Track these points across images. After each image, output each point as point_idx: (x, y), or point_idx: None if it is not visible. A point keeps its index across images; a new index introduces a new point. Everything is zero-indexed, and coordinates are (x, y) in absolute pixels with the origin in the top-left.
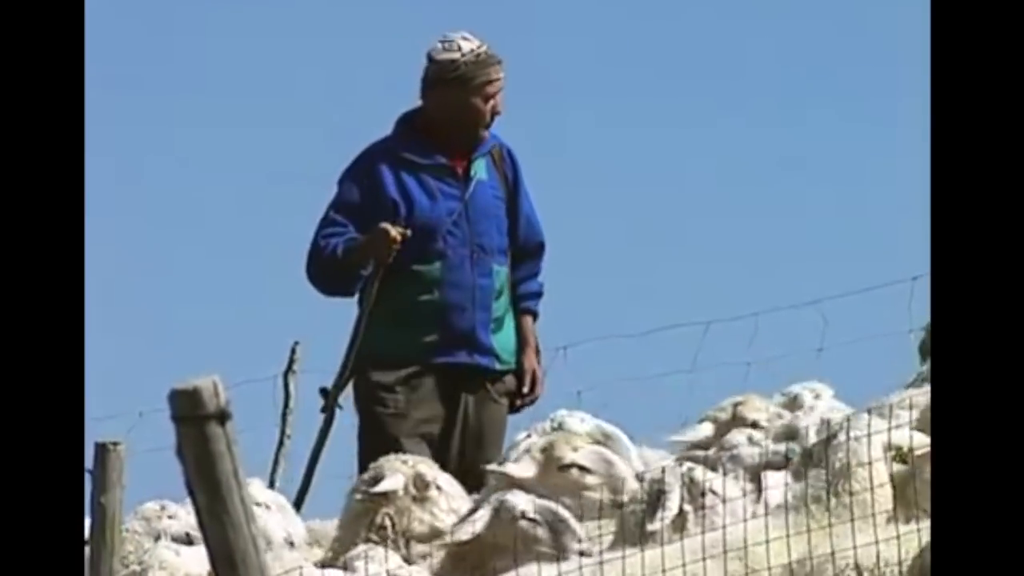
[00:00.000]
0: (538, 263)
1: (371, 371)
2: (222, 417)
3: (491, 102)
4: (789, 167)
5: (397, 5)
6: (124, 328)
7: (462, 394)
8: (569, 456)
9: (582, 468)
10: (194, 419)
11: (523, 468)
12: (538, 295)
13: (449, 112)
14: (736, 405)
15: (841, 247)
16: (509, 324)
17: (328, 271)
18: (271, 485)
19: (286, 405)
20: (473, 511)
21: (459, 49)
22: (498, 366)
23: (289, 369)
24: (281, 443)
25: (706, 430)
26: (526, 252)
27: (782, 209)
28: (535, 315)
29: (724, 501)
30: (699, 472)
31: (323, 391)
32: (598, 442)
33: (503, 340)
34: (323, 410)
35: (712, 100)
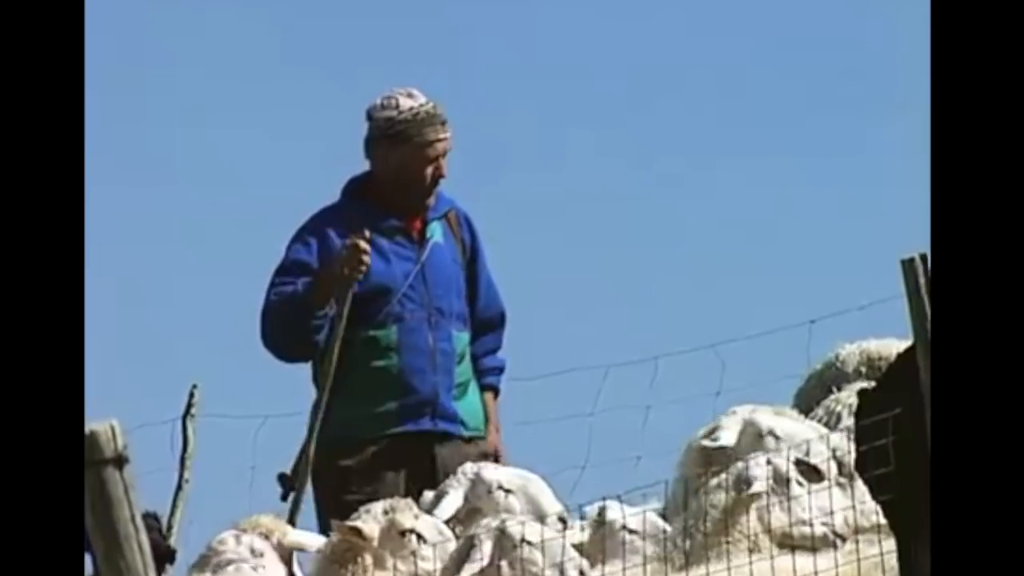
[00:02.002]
0: (499, 336)
1: (333, 456)
2: (120, 462)
3: (432, 165)
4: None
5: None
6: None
7: (433, 456)
8: (409, 523)
9: (419, 536)
10: (91, 464)
11: (369, 527)
12: (500, 370)
13: (389, 173)
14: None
15: (743, 290)
16: (474, 391)
17: (288, 318)
18: (168, 529)
19: (184, 449)
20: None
21: (397, 107)
22: (464, 432)
23: (188, 413)
24: (179, 487)
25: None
26: (486, 323)
27: (675, 246)
28: (496, 391)
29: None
30: (513, 525)
31: (281, 477)
32: (509, 491)
33: (468, 406)
34: (283, 498)
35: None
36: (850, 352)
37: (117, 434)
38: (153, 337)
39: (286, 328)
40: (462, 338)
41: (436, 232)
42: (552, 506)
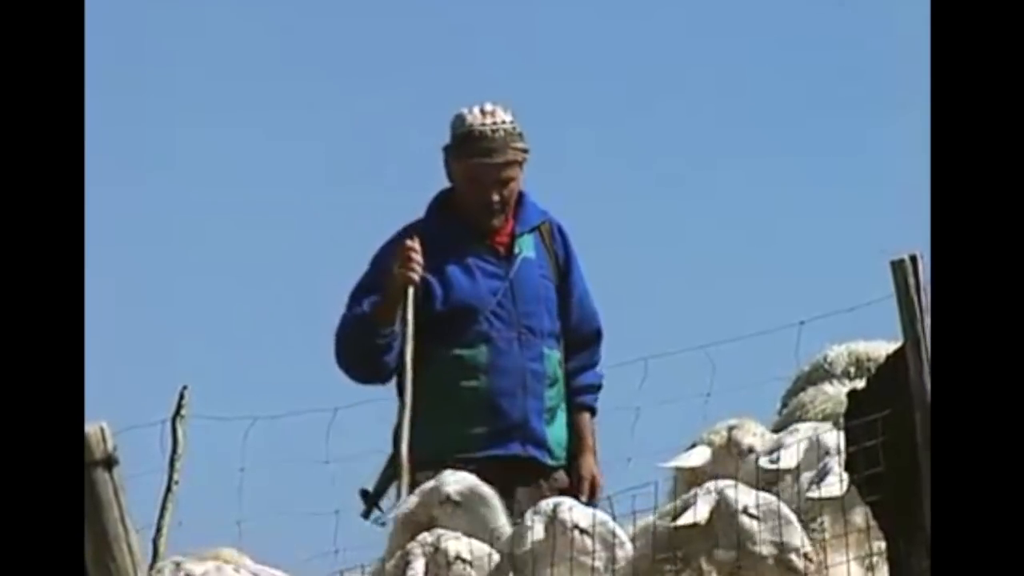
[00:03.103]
0: (595, 352)
1: (415, 473)
2: (109, 463)
3: (485, 185)
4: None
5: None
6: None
7: (516, 489)
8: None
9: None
10: None
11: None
12: (596, 388)
13: (458, 187)
14: (731, 429)
15: (735, 291)
16: (561, 417)
17: (353, 340)
18: (158, 532)
19: (174, 451)
20: None
21: (462, 121)
22: (550, 461)
23: (177, 414)
24: (169, 489)
25: (703, 455)
26: (581, 340)
27: (672, 246)
28: (593, 411)
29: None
30: (447, 541)
31: (363, 493)
32: (585, 531)
33: (556, 433)
34: (364, 515)
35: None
36: (838, 353)
37: (107, 436)
38: (142, 338)
39: (354, 350)
40: (553, 357)
41: (526, 246)
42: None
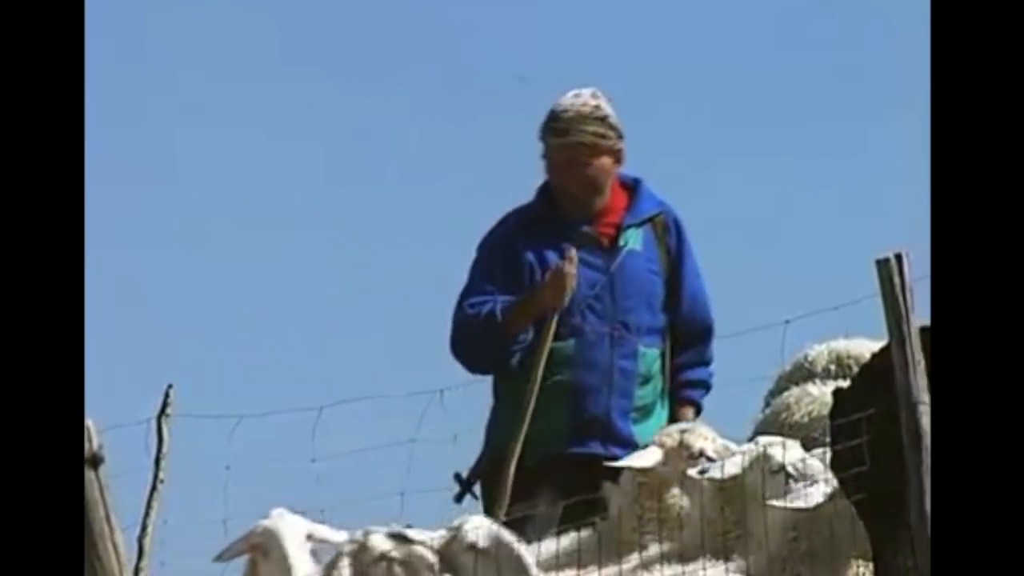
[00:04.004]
0: (706, 349)
1: (494, 469)
2: (95, 462)
3: (569, 169)
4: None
5: None
6: None
7: (603, 486)
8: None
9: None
10: None
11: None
12: (703, 385)
13: (550, 175)
14: (683, 432)
15: (723, 290)
16: (660, 414)
17: (483, 338)
18: (143, 530)
19: (159, 450)
20: None
21: (558, 105)
22: None
23: (163, 412)
24: (154, 488)
25: (653, 456)
26: (690, 335)
27: None
28: (698, 408)
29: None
30: (376, 539)
31: (457, 477)
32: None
33: (648, 431)
34: (457, 499)
35: None
36: (819, 352)
37: (92, 434)
38: (127, 336)
39: (482, 347)
40: (649, 355)
41: (633, 239)
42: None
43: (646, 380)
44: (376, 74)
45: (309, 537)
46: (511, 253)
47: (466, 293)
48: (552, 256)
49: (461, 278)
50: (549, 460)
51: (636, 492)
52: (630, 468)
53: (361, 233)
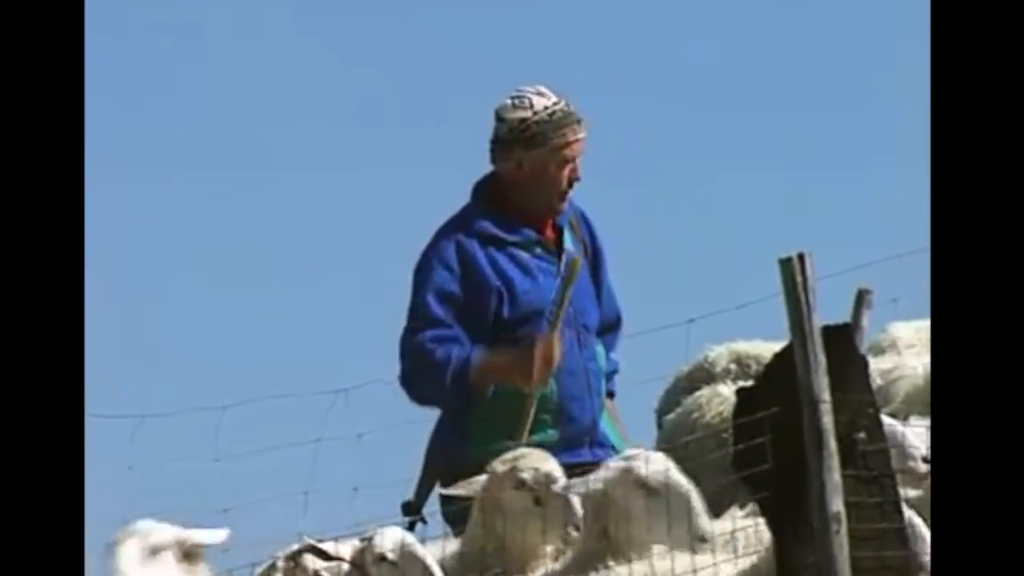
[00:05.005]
0: (616, 338)
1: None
2: None
3: (568, 167)
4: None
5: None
6: None
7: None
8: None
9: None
10: None
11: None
12: (615, 373)
13: (524, 177)
14: (516, 459)
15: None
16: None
17: (448, 386)
18: None
19: None
20: None
21: (531, 106)
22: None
23: None
24: None
25: (477, 484)
26: (607, 326)
27: None
28: (612, 395)
29: None
30: (307, 559)
31: (406, 506)
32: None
33: (610, 428)
34: (409, 528)
35: None
36: (719, 353)
37: None
38: None
39: (443, 393)
40: (601, 352)
41: (568, 240)
42: None
43: (607, 376)
44: (375, 73)
45: (155, 550)
46: (469, 269)
47: (422, 319)
48: (510, 268)
49: (365, 279)
50: None
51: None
52: (456, 495)
53: (265, 229)
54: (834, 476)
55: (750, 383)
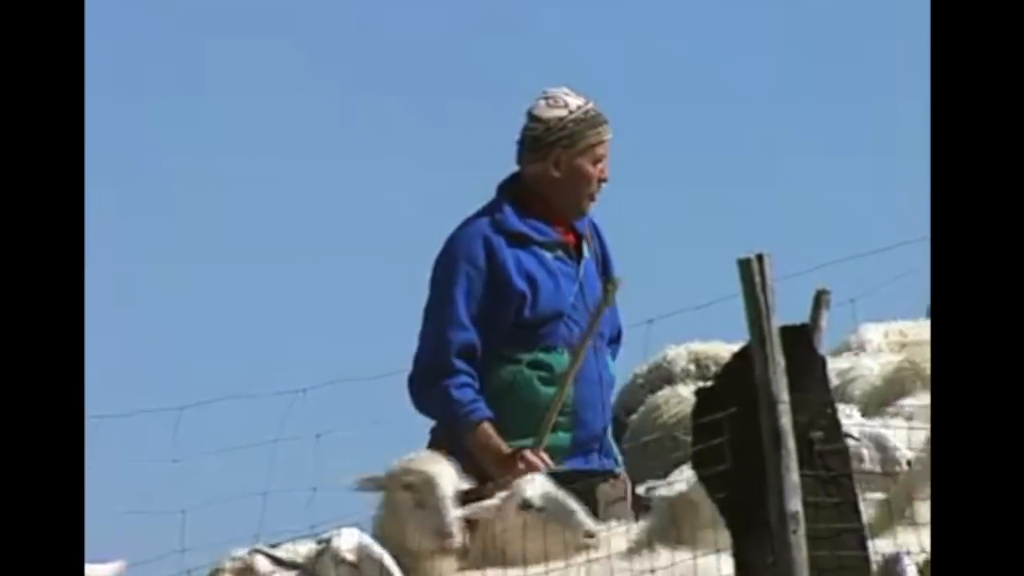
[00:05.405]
0: (617, 351)
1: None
2: None
3: (598, 167)
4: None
5: None
6: None
7: (596, 501)
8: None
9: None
10: None
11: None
12: (612, 386)
13: (553, 179)
14: (412, 460)
15: None
16: None
17: (445, 421)
18: None
19: None
20: None
21: (566, 105)
22: (617, 469)
23: None
24: None
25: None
26: (610, 339)
27: None
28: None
29: None
30: (261, 561)
31: None
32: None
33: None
34: None
35: None
36: (678, 353)
37: None
38: None
39: (439, 421)
40: (611, 363)
41: (585, 247)
42: None
43: (612, 387)
44: (373, 74)
45: None
46: (494, 268)
47: (450, 321)
48: (536, 269)
49: (319, 285)
50: (555, 476)
51: None
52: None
53: (224, 228)
54: (792, 476)
55: (709, 383)
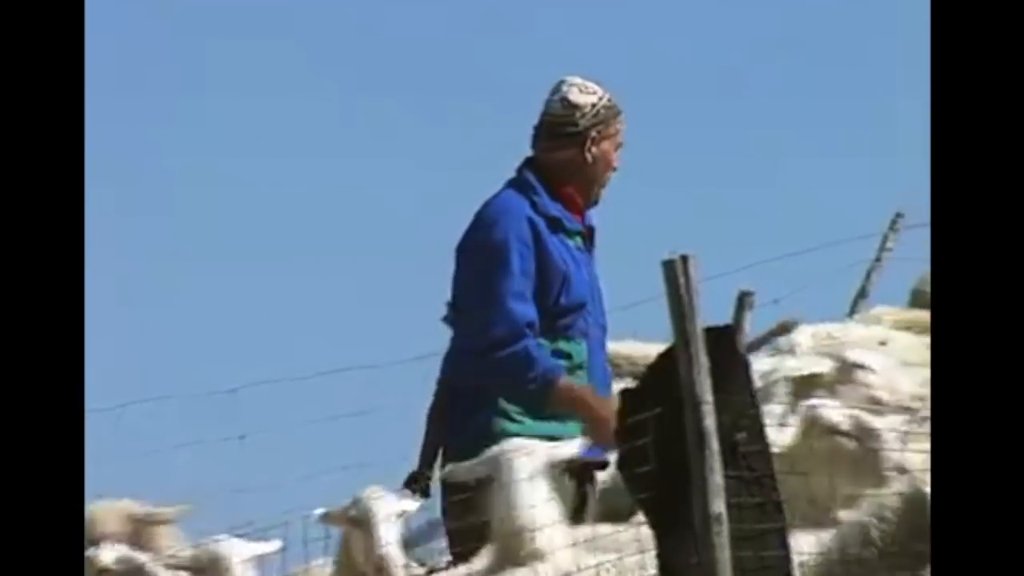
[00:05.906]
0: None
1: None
2: None
3: (615, 155)
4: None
5: None
6: None
7: (592, 488)
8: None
9: None
10: None
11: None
12: None
13: (585, 164)
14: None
15: None
16: None
17: (524, 381)
18: None
19: None
20: None
21: (594, 92)
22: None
23: None
24: None
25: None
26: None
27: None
28: None
29: None
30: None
31: (411, 478)
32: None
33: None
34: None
35: None
36: (612, 351)
37: None
38: None
39: (511, 381)
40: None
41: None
42: None
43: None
44: (373, 74)
45: None
46: (541, 249)
47: (514, 293)
48: (568, 257)
49: (319, 285)
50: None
51: None
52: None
53: (225, 229)
54: (716, 477)
55: (633, 384)
